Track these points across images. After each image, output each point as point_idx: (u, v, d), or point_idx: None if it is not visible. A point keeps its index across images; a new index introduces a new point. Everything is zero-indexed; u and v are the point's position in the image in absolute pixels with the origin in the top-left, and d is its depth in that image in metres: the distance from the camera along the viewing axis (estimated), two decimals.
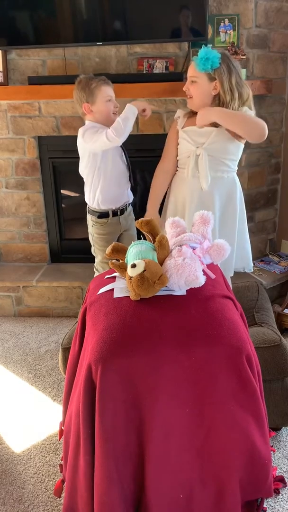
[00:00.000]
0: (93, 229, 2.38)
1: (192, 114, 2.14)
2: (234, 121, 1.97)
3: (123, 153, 2.28)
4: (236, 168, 2.15)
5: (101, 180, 2.26)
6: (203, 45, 1.99)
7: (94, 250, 2.45)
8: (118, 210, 2.33)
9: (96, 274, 2.47)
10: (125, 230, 2.43)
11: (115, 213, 2.32)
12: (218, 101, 2.04)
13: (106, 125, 2.18)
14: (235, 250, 2.15)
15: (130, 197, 2.41)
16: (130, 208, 2.43)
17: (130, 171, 2.32)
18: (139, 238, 1.58)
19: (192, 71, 2.03)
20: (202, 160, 2.05)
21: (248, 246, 2.24)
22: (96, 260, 2.46)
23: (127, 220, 2.40)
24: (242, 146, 2.10)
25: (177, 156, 2.18)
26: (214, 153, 2.06)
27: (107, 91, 2.19)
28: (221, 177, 2.09)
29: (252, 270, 2.28)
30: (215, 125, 2.05)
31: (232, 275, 2.19)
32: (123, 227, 2.39)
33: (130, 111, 2.12)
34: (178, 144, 2.16)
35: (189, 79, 2.05)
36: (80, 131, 2.22)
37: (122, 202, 2.34)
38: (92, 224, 2.37)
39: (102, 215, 2.32)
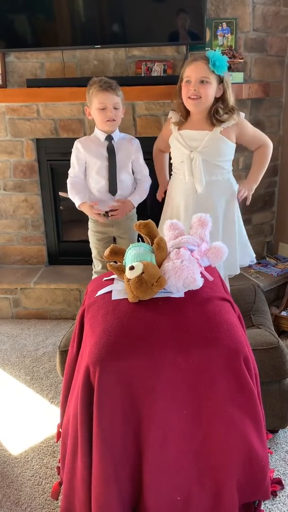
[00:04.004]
0: (89, 223, 2.42)
1: (183, 121, 2.15)
2: (265, 169, 2.22)
3: (107, 173, 2.26)
4: (231, 168, 2.17)
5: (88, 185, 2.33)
6: (209, 49, 2.00)
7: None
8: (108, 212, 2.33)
9: (93, 269, 2.51)
10: (121, 238, 2.41)
11: (105, 213, 2.29)
12: (221, 103, 2.05)
13: (102, 130, 2.24)
14: (237, 248, 2.17)
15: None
16: (125, 216, 2.34)
17: (114, 184, 2.28)
18: None
19: (205, 72, 1.99)
20: (197, 164, 2.06)
21: (235, 252, 2.19)
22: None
23: (121, 227, 2.36)
24: (234, 145, 2.13)
25: (168, 142, 2.21)
26: (208, 157, 2.07)
27: (102, 98, 2.12)
28: (216, 180, 2.10)
29: (239, 272, 2.25)
30: (208, 128, 2.07)
31: (238, 272, 2.21)
32: (115, 231, 2.38)
33: (75, 202, 2.29)
34: (169, 138, 2.19)
35: (198, 80, 1.99)
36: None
37: (108, 209, 2.31)
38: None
39: None
